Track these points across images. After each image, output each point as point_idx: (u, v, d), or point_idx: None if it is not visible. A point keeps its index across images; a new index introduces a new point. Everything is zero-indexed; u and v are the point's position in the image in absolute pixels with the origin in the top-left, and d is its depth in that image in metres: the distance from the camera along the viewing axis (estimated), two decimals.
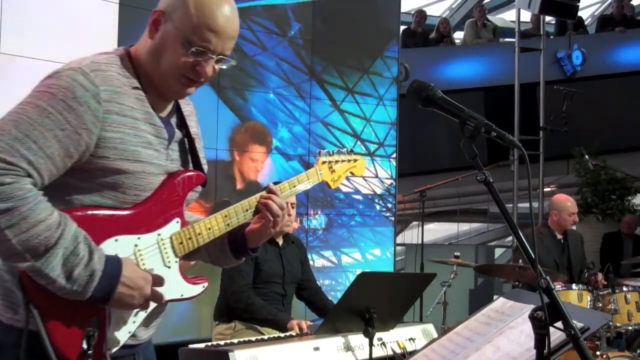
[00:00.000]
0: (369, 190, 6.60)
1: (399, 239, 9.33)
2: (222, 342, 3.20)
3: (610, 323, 4.62)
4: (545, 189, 10.13)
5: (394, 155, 6.77)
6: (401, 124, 6.91)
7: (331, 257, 6.40)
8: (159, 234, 1.81)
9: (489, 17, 12.98)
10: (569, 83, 10.31)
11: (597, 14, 15.12)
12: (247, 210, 1.96)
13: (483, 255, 9.77)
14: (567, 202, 5.48)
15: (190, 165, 1.92)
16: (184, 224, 1.86)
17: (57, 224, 1.61)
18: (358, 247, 6.56)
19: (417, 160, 11.10)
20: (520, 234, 1.63)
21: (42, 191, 1.64)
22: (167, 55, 1.76)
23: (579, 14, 10.63)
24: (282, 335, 3.50)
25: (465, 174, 6.56)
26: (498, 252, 11.05)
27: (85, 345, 1.64)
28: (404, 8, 7.75)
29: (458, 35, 13.22)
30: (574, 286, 4.73)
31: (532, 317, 1.56)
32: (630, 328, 4.80)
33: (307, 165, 6.17)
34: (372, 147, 6.64)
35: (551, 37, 12.13)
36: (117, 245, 1.73)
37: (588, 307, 4.60)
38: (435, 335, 3.45)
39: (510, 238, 11.87)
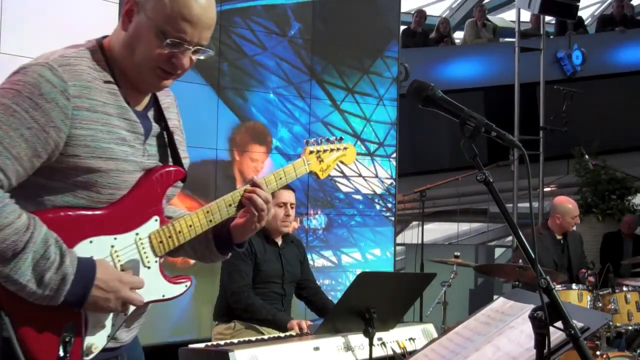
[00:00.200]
0: (369, 190, 6.60)
1: (399, 239, 9.32)
2: (222, 342, 3.21)
3: (610, 323, 4.62)
4: (545, 189, 10.13)
5: (394, 155, 6.77)
6: (401, 124, 6.91)
7: (331, 257, 6.40)
8: (136, 234, 1.74)
9: (489, 17, 12.98)
10: (569, 83, 10.31)
11: (597, 14, 15.11)
12: (230, 205, 1.88)
13: (483, 255, 9.77)
14: (570, 205, 5.48)
15: (170, 160, 1.84)
16: (163, 221, 1.79)
17: (25, 227, 1.55)
18: (358, 247, 6.55)
19: (417, 160, 11.10)
20: (520, 234, 1.63)
21: (8, 193, 1.58)
22: (141, 48, 1.68)
23: (579, 14, 10.63)
24: (282, 335, 3.50)
25: (465, 174, 6.56)
26: (498, 252, 11.04)
27: (61, 352, 1.56)
28: (404, 8, 7.75)
29: (458, 35, 13.22)
30: (574, 286, 4.73)
31: (532, 317, 1.56)
32: (630, 328, 4.80)
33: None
34: (372, 147, 6.64)
35: (551, 37, 12.14)
36: (92, 247, 1.67)
37: (588, 307, 4.60)
38: (435, 335, 3.45)
39: (510, 238, 11.87)
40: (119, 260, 1.71)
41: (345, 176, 6.48)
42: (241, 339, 3.26)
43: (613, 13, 12.66)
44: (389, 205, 6.72)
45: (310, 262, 5.98)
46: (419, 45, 11.67)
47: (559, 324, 1.54)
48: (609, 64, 12.08)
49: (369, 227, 6.60)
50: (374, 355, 3.02)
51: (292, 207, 4.03)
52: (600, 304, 4.72)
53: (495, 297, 4.78)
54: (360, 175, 6.56)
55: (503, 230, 13.62)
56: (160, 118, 1.83)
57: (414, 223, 11.61)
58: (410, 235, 11.54)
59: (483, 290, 8.72)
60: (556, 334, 1.58)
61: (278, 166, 6.23)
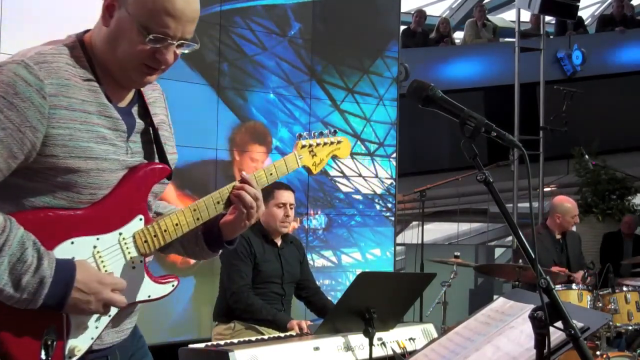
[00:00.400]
0: (369, 190, 6.60)
1: (399, 239, 9.33)
2: (222, 342, 3.20)
3: (610, 323, 4.62)
4: (545, 189, 10.13)
5: (394, 155, 6.77)
6: (401, 124, 6.91)
7: (331, 257, 6.40)
8: (120, 233, 1.70)
9: (489, 17, 12.98)
10: (569, 83, 10.32)
11: (597, 14, 15.11)
12: (218, 203, 1.83)
13: (483, 255, 9.77)
14: (570, 205, 5.49)
15: (156, 157, 1.78)
16: (148, 220, 1.74)
17: (0, 229, 1.52)
18: (358, 247, 6.55)
19: (417, 160, 11.10)
20: (520, 233, 1.63)
21: None
22: (123, 44, 1.63)
23: (579, 14, 10.63)
24: (282, 335, 3.49)
25: (465, 174, 6.56)
26: (498, 252, 11.05)
27: (43, 355, 1.54)
28: (404, 8, 7.75)
29: (458, 35, 13.22)
30: (574, 286, 4.73)
31: (532, 317, 1.56)
32: (630, 328, 4.80)
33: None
34: (372, 147, 6.64)
35: (551, 37, 12.13)
36: (74, 248, 1.63)
37: (588, 307, 4.60)
38: (435, 335, 3.45)
39: (510, 238, 11.87)
40: (102, 261, 1.67)
41: (345, 176, 6.48)
42: (241, 339, 3.26)
43: (613, 13, 12.66)
44: (389, 205, 6.72)
45: (310, 262, 5.99)
46: (419, 45, 11.67)
47: (559, 324, 1.54)
48: (609, 64, 12.08)
49: (369, 227, 6.61)
50: (374, 355, 3.02)
51: (291, 208, 4.03)
52: (600, 304, 4.73)
53: (495, 297, 4.78)
54: (360, 175, 6.56)
55: (503, 230, 13.62)
56: (145, 114, 1.78)
57: (414, 223, 11.61)
58: (410, 235, 11.54)
59: (483, 290, 8.72)
60: (556, 334, 1.58)
61: None
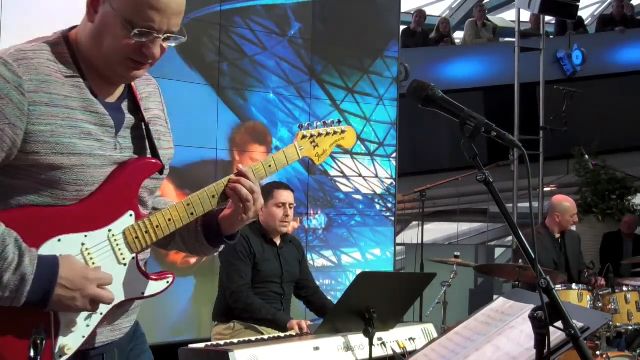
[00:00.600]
0: (369, 190, 6.60)
1: (399, 239, 9.33)
2: (222, 342, 3.20)
3: (610, 323, 4.62)
4: (545, 189, 10.13)
5: (394, 155, 6.77)
6: (401, 124, 6.91)
7: (331, 257, 6.40)
8: (109, 230, 1.66)
9: (489, 17, 12.98)
10: (569, 83, 10.32)
11: (597, 14, 15.11)
12: (214, 197, 1.78)
13: (483, 255, 9.77)
14: (569, 204, 5.50)
15: (148, 152, 1.75)
16: (139, 216, 1.71)
17: None
18: (358, 247, 6.56)
19: (417, 160, 11.10)
20: (520, 233, 1.63)
21: None
22: (108, 39, 1.60)
23: (579, 14, 10.63)
24: (282, 335, 3.49)
25: (465, 174, 6.56)
26: (498, 252, 11.05)
27: (32, 353, 1.51)
28: (404, 8, 7.75)
29: (458, 35, 13.22)
30: (574, 286, 4.73)
31: (532, 317, 1.56)
32: (630, 328, 4.80)
33: (308, 165, 6.18)
34: (372, 147, 6.64)
35: (551, 37, 12.13)
36: (61, 246, 1.60)
37: (588, 307, 4.60)
38: (435, 335, 3.45)
39: (510, 238, 11.87)
40: (91, 258, 1.64)
41: (345, 176, 6.48)
42: (241, 339, 3.26)
43: (613, 13, 12.66)
44: (389, 205, 6.72)
45: (310, 262, 5.99)
46: (419, 45, 11.67)
47: (559, 324, 1.54)
48: (609, 64, 12.08)
49: (369, 227, 6.61)
50: (374, 355, 3.02)
51: (290, 208, 4.03)
52: (600, 304, 4.73)
53: (495, 297, 4.78)
54: (360, 175, 6.56)
55: (503, 230, 13.62)
56: (136, 109, 1.75)
57: (414, 223, 11.62)
58: (410, 235, 11.54)
59: (483, 290, 8.72)
60: (556, 334, 1.58)
61: None
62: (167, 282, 1.76)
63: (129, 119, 1.73)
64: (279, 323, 3.71)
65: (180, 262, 5.35)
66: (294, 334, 3.52)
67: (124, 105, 1.74)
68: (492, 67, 11.53)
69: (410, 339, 3.38)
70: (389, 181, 6.73)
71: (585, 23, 13.66)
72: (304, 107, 6.24)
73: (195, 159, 5.49)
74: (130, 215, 1.70)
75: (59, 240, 1.61)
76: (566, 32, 12.11)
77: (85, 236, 1.64)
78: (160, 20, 1.60)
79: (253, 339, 3.28)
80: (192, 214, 1.76)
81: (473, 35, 12.09)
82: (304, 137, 2.00)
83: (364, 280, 3.10)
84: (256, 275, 3.93)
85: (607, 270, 4.91)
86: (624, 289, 4.84)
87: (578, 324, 1.57)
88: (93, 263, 1.64)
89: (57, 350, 1.61)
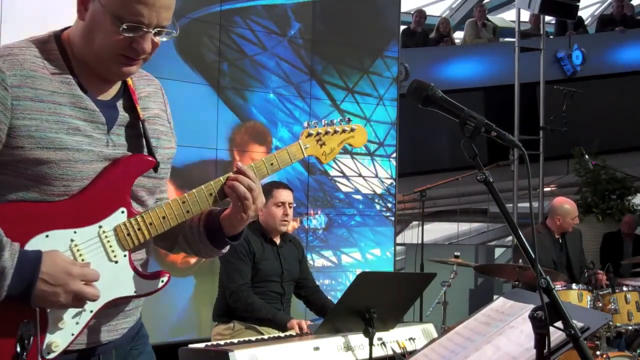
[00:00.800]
0: (369, 190, 6.60)
1: (399, 239, 9.33)
2: (222, 342, 3.20)
3: (610, 323, 4.62)
4: (545, 189, 10.13)
5: (394, 155, 6.77)
6: (401, 124, 6.91)
7: (331, 257, 6.40)
8: (100, 226, 1.64)
9: (489, 17, 12.98)
10: (569, 83, 10.31)
11: (597, 14, 15.12)
12: (210, 195, 1.74)
13: (483, 255, 9.77)
14: (569, 206, 5.50)
15: (145, 150, 1.72)
16: (131, 214, 1.68)
17: None
18: (358, 247, 6.56)
19: (417, 160, 11.11)
20: (520, 233, 1.63)
21: None
22: (99, 36, 1.60)
23: (579, 13, 10.63)
24: (282, 335, 3.50)
25: (465, 174, 6.55)
26: (498, 252, 11.05)
27: (18, 349, 1.48)
28: (404, 8, 7.75)
29: (458, 35, 13.22)
30: (574, 286, 4.73)
31: (532, 317, 1.56)
32: (630, 328, 4.80)
33: (308, 165, 6.18)
34: (372, 147, 6.64)
35: (551, 37, 12.14)
36: (49, 241, 1.58)
37: (588, 306, 4.60)
38: (435, 335, 3.45)
39: (510, 238, 11.87)
40: (80, 255, 1.62)
41: (345, 176, 6.48)
42: (241, 339, 3.26)
43: (613, 13, 12.66)
44: (389, 205, 6.72)
45: (310, 262, 6.00)
46: (419, 45, 11.67)
47: (559, 324, 1.54)
48: (609, 64, 12.08)
49: (369, 227, 6.61)
50: (374, 355, 3.02)
51: (290, 207, 4.03)
52: (600, 304, 4.73)
53: (495, 297, 4.78)
54: (360, 175, 6.56)
55: (503, 230, 13.62)
56: (133, 107, 1.73)
57: (414, 223, 11.62)
58: (410, 235, 11.54)
59: (483, 290, 8.72)
60: (556, 334, 1.58)
61: None
62: (162, 282, 1.73)
63: (124, 116, 1.72)
64: (279, 322, 3.71)
65: (180, 262, 5.35)
66: (294, 333, 3.52)
67: (119, 104, 1.73)
68: (492, 67, 11.53)
69: (410, 339, 3.38)
70: (389, 181, 6.73)
71: (585, 23, 13.66)
72: (304, 107, 6.24)
73: (195, 159, 5.49)
74: (122, 212, 1.67)
75: (47, 236, 1.59)
76: (566, 32, 12.11)
77: (75, 232, 1.62)
78: (149, 14, 1.59)
79: (253, 339, 3.28)
80: (187, 211, 1.73)
81: (473, 35, 12.10)
82: (309, 135, 1.94)
83: (364, 280, 3.10)
84: (256, 274, 3.93)
85: (607, 270, 4.91)
86: (624, 289, 4.85)
87: (578, 324, 1.57)
88: (82, 259, 1.63)
89: (44, 347, 1.59)
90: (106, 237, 1.66)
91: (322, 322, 3.27)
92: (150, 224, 1.69)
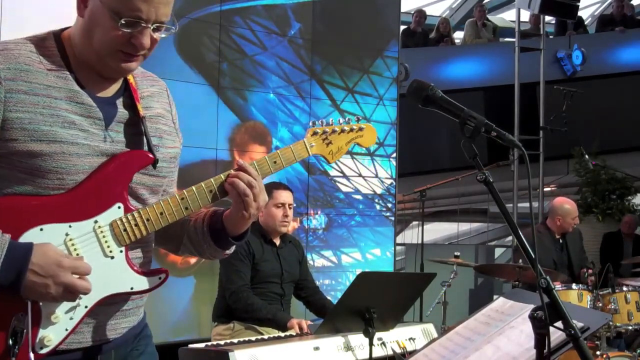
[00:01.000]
0: (369, 190, 6.60)
1: (399, 239, 9.33)
2: (222, 342, 3.20)
3: (610, 323, 4.63)
4: (545, 189, 10.13)
5: (394, 155, 6.77)
6: (401, 124, 6.91)
7: (331, 257, 6.40)
8: (95, 221, 1.63)
9: (489, 17, 12.98)
10: (569, 83, 10.32)
11: (597, 14, 15.12)
12: (210, 192, 1.72)
13: (483, 255, 9.77)
14: (569, 206, 5.50)
15: (144, 147, 1.72)
16: (128, 210, 1.67)
17: None
18: (358, 247, 6.56)
19: (417, 160, 11.11)
20: (520, 234, 1.63)
21: None
22: (98, 32, 1.61)
23: (579, 14, 10.63)
24: (282, 335, 3.50)
25: (465, 174, 6.56)
26: (498, 252, 11.05)
27: (10, 342, 1.49)
28: (404, 8, 7.75)
29: (458, 35, 13.23)
30: (574, 286, 4.74)
31: (532, 317, 1.56)
32: (630, 328, 4.80)
33: (308, 165, 6.18)
34: (372, 147, 6.64)
35: (551, 37, 12.14)
36: (44, 235, 1.58)
37: (588, 306, 4.60)
38: (435, 335, 3.45)
39: (510, 238, 11.87)
40: (75, 249, 1.62)
41: (345, 176, 6.48)
42: (241, 339, 3.26)
43: (613, 13, 12.66)
44: (389, 205, 6.72)
45: (310, 262, 6.00)
46: (419, 45, 11.67)
47: (559, 324, 1.54)
48: (609, 64, 12.08)
49: (369, 227, 6.61)
50: (374, 355, 3.02)
51: (290, 208, 4.03)
52: (600, 304, 4.73)
53: (495, 297, 4.78)
54: (360, 175, 6.56)
55: (503, 230, 13.62)
56: (133, 105, 1.73)
57: (414, 223, 11.61)
58: (410, 235, 11.54)
59: (483, 290, 8.72)
60: (556, 334, 1.58)
61: None
62: (160, 279, 1.71)
63: (123, 113, 1.72)
64: (279, 322, 3.71)
65: (181, 262, 5.35)
66: (294, 334, 3.52)
67: (119, 101, 1.73)
68: (492, 67, 11.53)
69: (410, 339, 3.38)
70: (389, 181, 6.73)
71: (585, 23, 13.66)
72: (304, 107, 6.24)
73: (195, 159, 5.49)
74: (119, 207, 1.66)
75: (41, 230, 1.59)
76: (566, 32, 12.11)
77: (70, 226, 1.62)
78: (147, 9, 1.59)
79: (253, 339, 3.28)
80: (186, 208, 1.71)
81: (473, 35, 12.10)
82: (315, 133, 1.90)
83: (364, 280, 3.10)
84: (256, 275, 3.93)
85: (607, 270, 4.91)
86: (624, 289, 4.85)
87: (578, 324, 1.57)
88: (77, 254, 1.62)
89: (37, 341, 1.58)
90: (102, 232, 1.65)
91: (322, 322, 3.27)
92: (148, 220, 1.68)
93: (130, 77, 1.76)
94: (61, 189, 1.61)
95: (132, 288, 1.69)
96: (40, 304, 1.58)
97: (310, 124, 1.92)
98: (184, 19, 5.40)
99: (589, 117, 10.83)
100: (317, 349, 3.02)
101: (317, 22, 6.33)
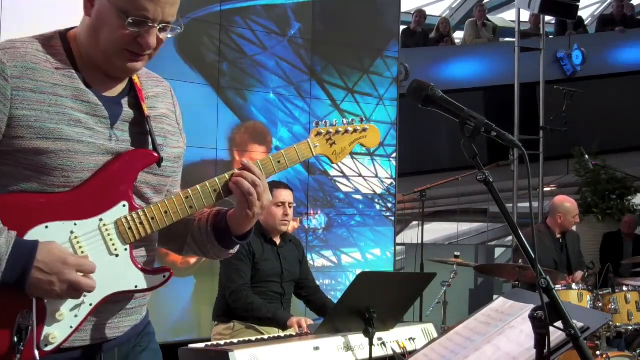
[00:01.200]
0: (369, 190, 6.60)
1: (399, 239, 9.33)
2: (222, 342, 3.20)
3: (610, 323, 4.62)
4: (545, 189, 10.13)
5: (394, 155, 6.77)
6: (401, 124, 6.91)
7: (331, 257, 6.40)
8: (100, 219, 1.64)
9: (489, 17, 12.98)
10: (569, 83, 10.32)
11: (597, 14, 15.12)
12: (215, 191, 1.73)
13: (483, 255, 9.77)
14: (570, 204, 5.51)
15: (149, 146, 1.74)
16: (133, 207, 1.68)
17: None
18: (358, 247, 6.56)
19: (417, 160, 11.10)
20: (520, 233, 1.63)
21: None
22: (105, 31, 1.63)
23: (579, 14, 10.63)
24: (282, 335, 3.50)
25: (465, 174, 6.55)
26: (498, 252, 11.05)
27: (15, 338, 1.50)
28: (404, 8, 7.75)
29: (458, 35, 13.23)
30: (574, 286, 4.73)
31: (532, 317, 1.56)
32: (630, 328, 4.80)
33: (308, 165, 6.18)
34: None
35: (551, 37, 12.14)
36: (49, 233, 1.59)
37: (588, 306, 4.60)
38: (435, 335, 3.45)
39: (510, 238, 11.87)
40: (80, 247, 1.63)
41: (345, 176, 6.48)
42: (241, 339, 3.26)
43: (613, 13, 12.66)
44: (389, 205, 6.72)
45: (310, 262, 5.99)
46: (419, 45, 11.67)
47: (559, 324, 1.54)
48: (609, 64, 12.09)
49: (369, 227, 6.61)
50: (374, 355, 3.02)
51: (290, 207, 4.03)
52: (600, 304, 4.73)
53: (495, 297, 4.78)
54: (360, 175, 6.56)
55: (503, 230, 13.63)
56: (138, 105, 1.75)
57: (414, 223, 11.62)
58: (410, 235, 11.54)
59: (483, 290, 8.72)
60: (556, 334, 1.58)
61: None
62: (164, 277, 1.72)
63: (128, 112, 1.73)
64: (280, 321, 3.71)
65: (181, 262, 5.35)
66: (294, 333, 3.52)
67: (125, 101, 1.74)
68: (492, 67, 11.53)
69: (410, 339, 3.38)
70: (389, 181, 6.73)
71: (585, 23, 13.66)
72: (304, 107, 6.24)
73: (195, 159, 5.49)
74: (124, 205, 1.67)
75: (47, 227, 1.60)
76: (566, 32, 12.11)
77: (75, 224, 1.63)
78: (154, 9, 1.61)
79: (253, 339, 3.28)
80: (190, 207, 1.73)
81: (473, 35, 12.10)
82: (319, 133, 1.91)
83: (364, 280, 3.10)
84: (256, 274, 3.93)
85: (607, 270, 4.91)
86: (624, 289, 4.84)
87: (578, 324, 1.57)
88: (82, 252, 1.63)
89: (42, 338, 1.59)
90: (107, 230, 1.66)
91: (322, 322, 3.27)
92: (152, 218, 1.69)
93: (135, 77, 1.77)
94: (67, 187, 1.62)
95: (136, 286, 1.70)
96: (45, 301, 1.59)
97: (314, 124, 1.92)
98: (184, 19, 5.39)
99: (589, 117, 10.83)
100: (317, 349, 3.02)
101: (317, 22, 6.33)
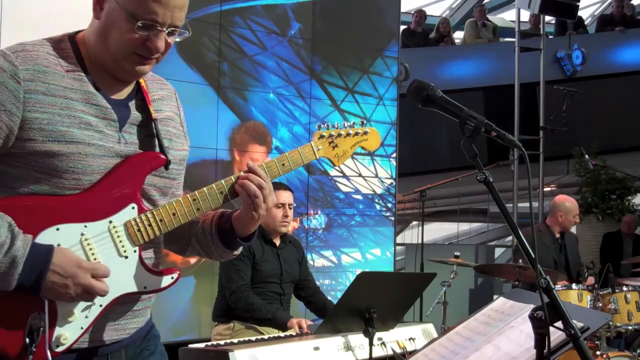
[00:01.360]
0: (369, 190, 6.60)
1: (399, 239, 9.33)
2: (222, 342, 3.20)
3: (610, 323, 4.62)
4: (545, 189, 10.13)
5: (394, 155, 6.77)
6: (401, 124, 6.91)
7: (331, 257, 6.40)
8: (110, 222, 1.67)
9: (489, 17, 12.98)
10: (569, 83, 10.32)
11: (597, 14, 15.12)
12: (221, 193, 1.77)
13: (483, 255, 9.77)
14: (571, 204, 5.51)
15: (157, 149, 1.76)
16: (141, 210, 1.71)
17: None
18: (358, 247, 6.55)
19: (417, 160, 11.10)
20: (520, 233, 1.63)
21: None
22: (113, 34, 1.64)
23: (579, 13, 10.63)
24: (282, 335, 3.50)
25: (465, 174, 6.55)
26: (498, 252, 11.05)
27: (27, 340, 1.52)
28: (404, 8, 7.75)
29: (458, 35, 13.23)
30: (574, 286, 4.73)
31: (532, 317, 1.56)
32: (630, 328, 4.80)
33: (308, 165, 6.18)
34: None
35: (551, 37, 12.14)
36: (60, 235, 1.61)
37: (588, 306, 4.60)
38: (435, 335, 3.45)
39: (510, 238, 11.88)
40: (90, 249, 1.65)
41: (345, 176, 6.48)
42: (241, 339, 3.26)
43: (613, 13, 12.66)
44: (389, 205, 6.72)
45: (310, 262, 6.00)
46: (419, 45, 11.67)
47: (559, 324, 1.54)
48: (609, 64, 12.09)
49: (369, 227, 6.61)
50: (374, 355, 3.02)
51: (290, 208, 4.04)
52: (600, 304, 4.72)
53: (495, 297, 4.78)
54: (360, 175, 6.56)
55: (503, 230, 13.63)
56: (145, 108, 1.77)
57: (414, 223, 11.63)
58: (410, 235, 11.55)
59: (483, 290, 8.72)
60: (556, 334, 1.58)
61: None
62: (172, 278, 1.74)
63: (136, 115, 1.75)
64: (279, 322, 3.71)
65: (181, 262, 5.35)
66: (294, 334, 3.52)
67: (132, 103, 1.76)
68: (492, 67, 11.53)
69: (410, 339, 3.38)
70: (389, 181, 6.73)
71: (585, 23, 13.66)
72: (304, 107, 6.24)
73: (195, 159, 5.49)
74: (133, 207, 1.70)
75: (58, 229, 1.61)
76: (566, 32, 12.12)
77: (85, 226, 1.65)
78: (163, 13, 1.63)
79: (253, 339, 3.28)
80: (198, 209, 1.75)
81: (473, 35, 12.10)
82: (321, 136, 1.94)
83: (364, 280, 3.10)
84: (255, 275, 3.93)
85: (607, 270, 4.91)
86: (624, 289, 4.84)
87: (578, 324, 1.57)
88: (92, 253, 1.65)
89: (53, 339, 1.61)
90: (116, 232, 1.68)
91: (322, 322, 3.27)
92: (161, 220, 1.71)
93: (141, 80, 1.79)
94: (77, 189, 1.64)
95: (145, 287, 1.72)
96: (57, 302, 1.61)
97: (317, 127, 1.96)
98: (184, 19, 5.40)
99: (589, 117, 10.83)
100: (317, 349, 3.02)
101: (317, 22, 6.33)
